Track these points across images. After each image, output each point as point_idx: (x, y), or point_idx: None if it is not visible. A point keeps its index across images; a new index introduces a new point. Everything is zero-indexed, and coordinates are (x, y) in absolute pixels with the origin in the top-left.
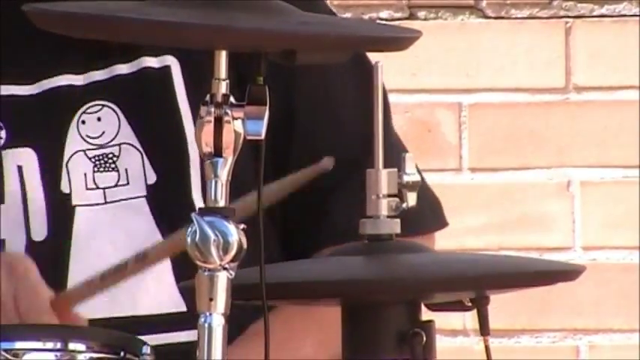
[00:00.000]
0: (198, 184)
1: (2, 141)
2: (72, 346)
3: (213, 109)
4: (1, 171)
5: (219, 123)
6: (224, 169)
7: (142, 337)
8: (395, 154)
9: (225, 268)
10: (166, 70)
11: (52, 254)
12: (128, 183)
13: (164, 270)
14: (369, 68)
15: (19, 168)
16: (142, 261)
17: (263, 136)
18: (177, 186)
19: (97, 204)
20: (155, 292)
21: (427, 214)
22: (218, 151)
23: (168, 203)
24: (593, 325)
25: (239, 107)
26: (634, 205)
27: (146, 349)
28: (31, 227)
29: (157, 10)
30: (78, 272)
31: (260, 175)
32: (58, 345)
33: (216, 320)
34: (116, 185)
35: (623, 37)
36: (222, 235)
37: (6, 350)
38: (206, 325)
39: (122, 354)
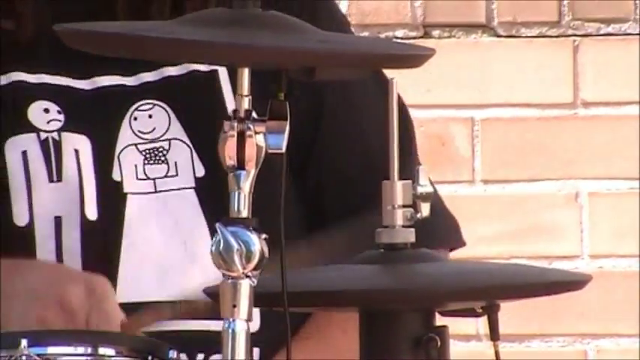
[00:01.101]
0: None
1: (61, 124)
2: (102, 350)
3: (236, 124)
4: (60, 151)
5: (241, 137)
6: (247, 182)
7: (184, 322)
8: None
9: (247, 276)
10: (214, 73)
11: (104, 234)
12: (177, 174)
13: (209, 263)
14: (387, 84)
15: (76, 152)
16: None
17: (284, 150)
18: (224, 179)
19: (148, 192)
20: (200, 281)
21: (446, 230)
22: (241, 164)
23: (215, 196)
24: (601, 329)
25: (261, 122)
26: (637, 216)
27: (172, 354)
28: (85, 207)
29: (183, 29)
30: (128, 254)
31: (283, 185)
32: (89, 350)
33: (240, 326)
34: (166, 176)
35: (628, 55)
36: (245, 245)
37: (39, 355)
38: (230, 330)
39: (150, 358)
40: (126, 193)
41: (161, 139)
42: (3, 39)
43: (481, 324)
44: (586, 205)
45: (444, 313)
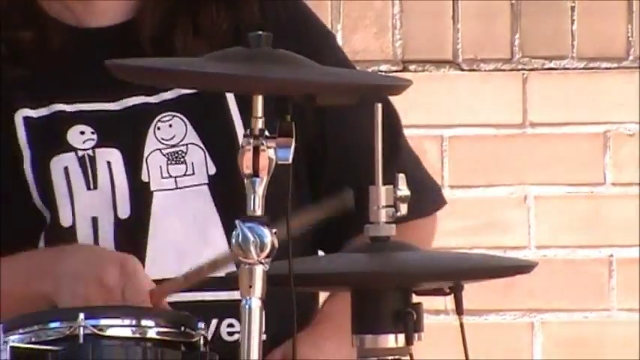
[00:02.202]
0: None
1: (94, 142)
2: (143, 322)
3: (252, 140)
4: (95, 164)
5: (256, 151)
6: (260, 186)
7: (201, 293)
8: (414, 158)
9: (261, 263)
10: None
11: (134, 229)
12: (194, 173)
13: (220, 246)
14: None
15: (108, 163)
16: (213, 266)
17: (290, 161)
18: (232, 176)
19: (170, 189)
20: (212, 252)
21: (434, 197)
22: (256, 173)
23: (225, 190)
24: (544, 305)
25: (272, 139)
26: (575, 214)
27: (200, 325)
28: (117, 208)
29: (209, 64)
30: (155, 242)
31: (289, 192)
32: (133, 322)
33: (255, 303)
34: (184, 175)
35: (566, 85)
36: (259, 238)
37: (93, 326)
38: (247, 306)
39: (182, 329)
40: (152, 191)
41: (180, 144)
42: (43, 75)
43: (449, 301)
44: (532, 205)
45: (418, 292)
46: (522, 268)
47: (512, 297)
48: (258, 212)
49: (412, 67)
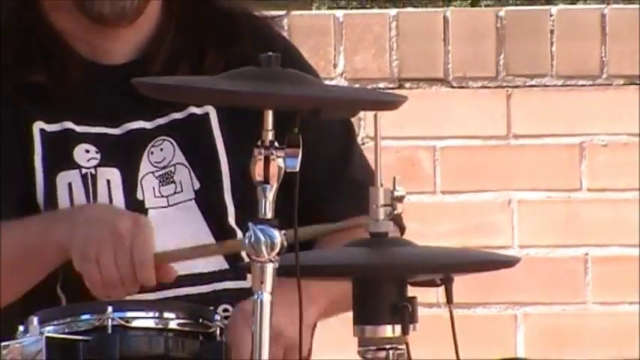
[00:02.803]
0: (229, 188)
1: (97, 161)
2: (165, 315)
3: (263, 151)
4: (96, 182)
5: (267, 160)
6: (270, 192)
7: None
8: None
9: (271, 261)
10: (206, 115)
11: None
12: (182, 190)
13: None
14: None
15: (108, 181)
16: (220, 247)
17: (297, 169)
18: (214, 189)
19: (163, 207)
20: (202, 266)
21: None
22: (267, 180)
23: (209, 202)
24: (527, 299)
25: (280, 149)
26: (554, 217)
27: (217, 317)
28: None
29: (225, 82)
30: None
31: (296, 195)
32: (156, 314)
33: (266, 297)
34: (174, 193)
35: (547, 101)
36: (270, 238)
37: (120, 318)
38: (259, 300)
39: (200, 320)
40: (147, 208)
41: (169, 165)
42: (58, 94)
43: (440, 295)
44: (516, 209)
45: (413, 284)
46: (506, 262)
47: (498, 292)
48: (269, 215)
49: (407, 84)
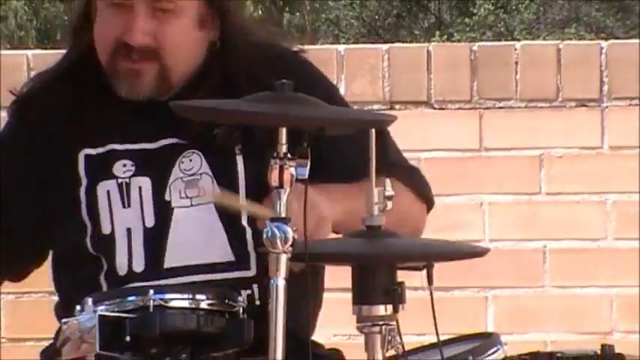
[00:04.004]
0: (244, 195)
1: (132, 172)
2: (198, 296)
3: (278, 161)
4: (129, 189)
5: (281, 169)
6: (284, 195)
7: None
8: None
9: (285, 252)
10: None
11: (158, 235)
12: (204, 194)
13: (222, 245)
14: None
15: (140, 188)
16: (252, 204)
17: (307, 177)
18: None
19: (186, 206)
20: (216, 257)
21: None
22: (281, 185)
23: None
24: (496, 284)
25: (292, 160)
26: (518, 216)
27: (240, 298)
28: (145, 220)
29: (245, 104)
30: (173, 244)
31: (305, 199)
32: (190, 296)
33: (280, 282)
34: (198, 196)
35: (513, 120)
36: (284, 233)
37: (160, 299)
38: (275, 285)
39: (226, 301)
40: (173, 207)
41: (196, 173)
42: (102, 124)
43: (423, 280)
44: (486, 210)
45: (401, 268)
46: (478, 252)
47: (471, 277)
48: (283, 214)
49: (397, 106)
